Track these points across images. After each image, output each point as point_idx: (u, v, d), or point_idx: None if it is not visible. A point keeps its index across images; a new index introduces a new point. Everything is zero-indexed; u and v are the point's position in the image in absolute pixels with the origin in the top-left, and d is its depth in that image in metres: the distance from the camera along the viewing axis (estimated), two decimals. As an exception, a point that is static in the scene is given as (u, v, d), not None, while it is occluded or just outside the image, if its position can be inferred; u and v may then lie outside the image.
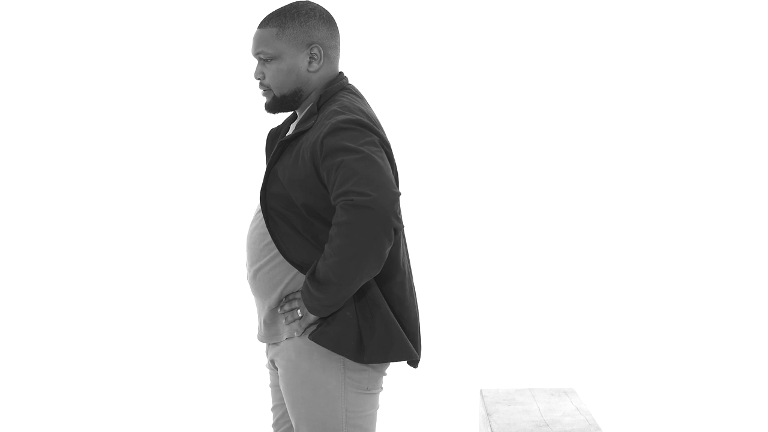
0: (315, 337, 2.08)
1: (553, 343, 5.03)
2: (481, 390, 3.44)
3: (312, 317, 2.10)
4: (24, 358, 4.92)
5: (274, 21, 2.15)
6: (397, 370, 4.86)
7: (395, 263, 2.13)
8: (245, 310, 4.49)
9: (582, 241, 5.30)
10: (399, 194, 1.98)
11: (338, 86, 2.19)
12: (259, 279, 2.20)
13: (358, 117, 2.05)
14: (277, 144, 2.15)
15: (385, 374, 2.22)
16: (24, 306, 5.18)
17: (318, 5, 2.20)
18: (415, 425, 4.21)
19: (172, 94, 5.31)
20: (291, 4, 2.18)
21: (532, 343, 5.03)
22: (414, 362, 2.18)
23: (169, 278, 5.26)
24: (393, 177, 2.03)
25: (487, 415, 3.13)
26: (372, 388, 2.17)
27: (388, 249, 1.98)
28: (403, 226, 2.02)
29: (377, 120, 2.15)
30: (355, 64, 5.11)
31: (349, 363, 2.12)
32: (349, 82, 2.26)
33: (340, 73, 2.25)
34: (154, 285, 5.25)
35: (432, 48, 5.32)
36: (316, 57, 2.15)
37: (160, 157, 5.34)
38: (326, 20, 2.17)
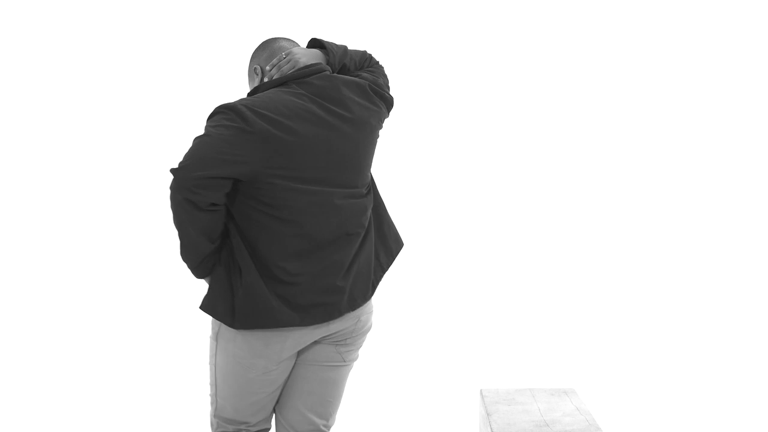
0: (201, 306, 2.39)
1: (553, 343, 5.03)
2: (481, 390, 3.44)
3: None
4: (23, 357, 4.92)
5: None
6: (396, 368, 4.86)
7: (267, 229, 2.29)
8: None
9: (581, 242, 5.30)
10: (194, 170, 2.16)
11: (270, 83, 2.38)
12: None
13: (234, 103, 2.25)
14: None
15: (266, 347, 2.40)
16: (23, 304, 5.18)
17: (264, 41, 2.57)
18: (415, 425, 4.21)
19: (172, 94, 5.31)
20: None
21: (532, 343, 5.03)
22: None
23: (167, 276, 5.26)
24: (216, 155, 2.18)
25: (487, 415, 3.13)
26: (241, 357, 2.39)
27: (187, 215, 2.22)
28: (192, 196, 2.18)
29: (277, 109, 2.26)
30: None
31: (223, 328, 2.39)
32: (302, 78, 2.39)
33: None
34: (152, 282, 5.25)
35: (431, 48, 5.32)
36: (256, 73, 2.51)
37: (162, 157, 5.34)
38: (261, 47, 2.53)
